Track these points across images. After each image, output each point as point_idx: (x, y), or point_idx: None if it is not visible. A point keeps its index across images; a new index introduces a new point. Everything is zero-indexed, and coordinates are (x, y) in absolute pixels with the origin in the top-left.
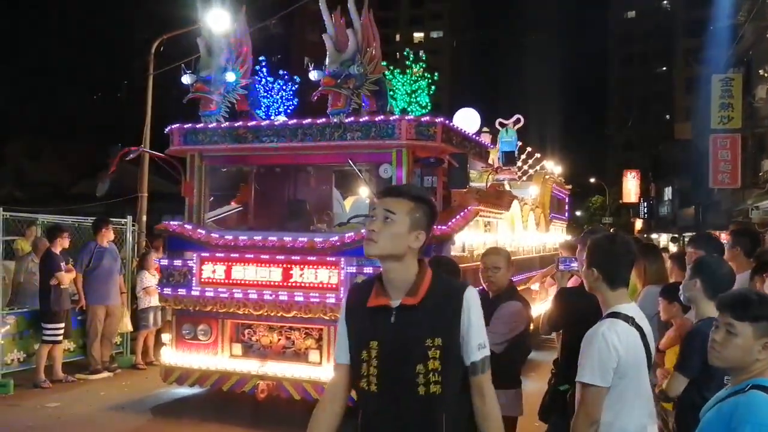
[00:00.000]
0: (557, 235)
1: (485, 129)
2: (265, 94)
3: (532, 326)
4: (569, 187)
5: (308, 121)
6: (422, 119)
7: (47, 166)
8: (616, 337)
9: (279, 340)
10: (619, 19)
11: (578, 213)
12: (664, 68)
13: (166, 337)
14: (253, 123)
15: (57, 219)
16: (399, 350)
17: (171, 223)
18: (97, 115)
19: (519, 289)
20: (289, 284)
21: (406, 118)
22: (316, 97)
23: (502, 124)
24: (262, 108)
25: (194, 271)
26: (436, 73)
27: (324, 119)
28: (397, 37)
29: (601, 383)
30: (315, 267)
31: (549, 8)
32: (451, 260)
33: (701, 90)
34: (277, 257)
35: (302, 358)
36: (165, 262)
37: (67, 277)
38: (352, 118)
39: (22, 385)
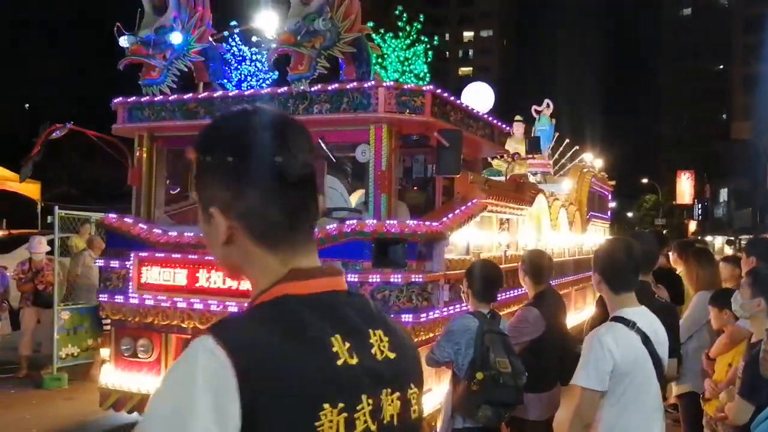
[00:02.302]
0: (597, 237)
1: (518, 118)
2: (237, 65)
3: None
4: (612, 183)
5: (267, 90)
6: (405, 86)
7: (101, 164)
8: (612, 341)
9: None
10: (673, 17)
11: (629, 214)
12: (721, 66)
13: (105, 352)
14: (204, 94)
15: None
16: None
17: (109, 216)
18: None
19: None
20: (242, 292)
21: (385, 84)
22: (272, 59)
23: (537, 112)
24: (233, 80)
25: (131, 274)
26: (435, 38)
27: (286, 88)
28: (447, 36)
29: (596, 386)
30: None
31: (600, 4)
32: (488, 264)
33: (761, 88)
34: None
35: None
36: (101, 262)
37: None
38: (318, 87)
39: (76, 380)
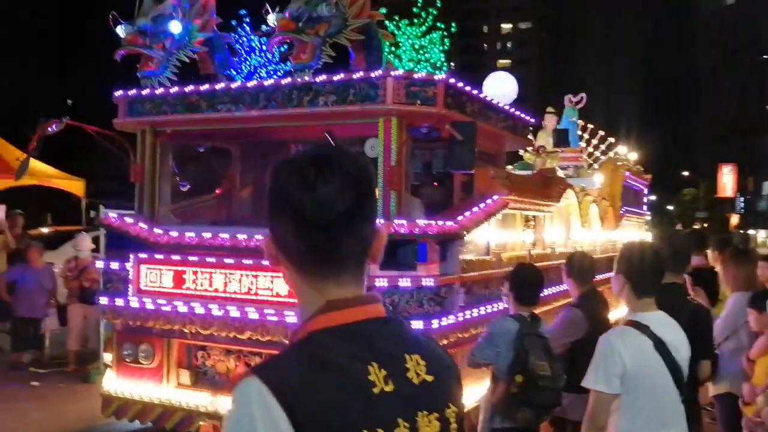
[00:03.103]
0: (632, 233)
1: (550, 109)
2: (246, 55)
3: None
4: (649, 176)
5: (271, 82)
6: (415, 75)
7: None
8: (622, 345)
9: (237, 367)
10: (716, 6)
11: (669, 207)
12: (765, 56)
13: (108, 356)
14: (206, 87)
15: None
16: None
17: (109, 214)
18: None
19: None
20: (241, 297)
21: (393, 73)
22: (273, 46)
23: (572, 102)
24: (242, 71)
25: (131, 277)
26: (453, 24)
27: (290, 79)
28: (485, 29)
29: (605, 389)
30: (270, 274)
31: None
32: (529, 268)
33: None
34: (226, 261)
35: None
36: (101, 264)
37: None
38: (323, 77)
39: None
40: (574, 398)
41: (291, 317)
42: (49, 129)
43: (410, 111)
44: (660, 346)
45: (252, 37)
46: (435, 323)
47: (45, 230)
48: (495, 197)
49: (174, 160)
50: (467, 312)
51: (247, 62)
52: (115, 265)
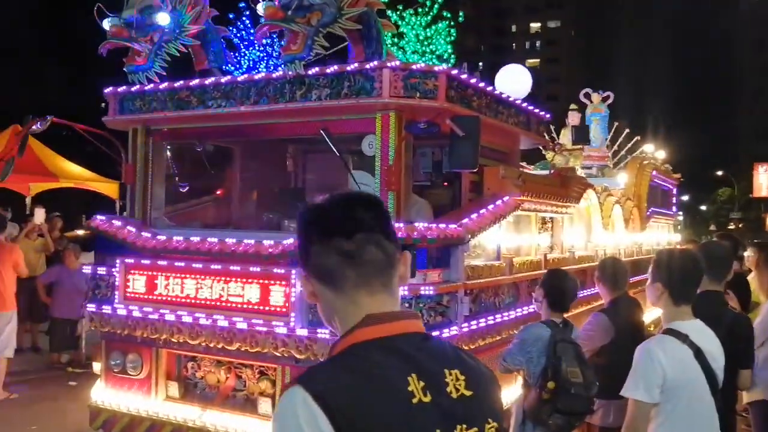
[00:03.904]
0: (660, 234)
1: (573, 106)
2: (245, 49)
3: None
4: (678, 175)
5: (262, 75)
6: (414, 66)
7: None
8: (662, 354)
9: (227, 379)
10: (752, 2)
11: (703, 207)
12: None
13: (96, 366)
14: (196, 82)
15: None
16: None
17: (97, 217)
18: None
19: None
20: (228, 305)
21: (390, 64)
22: (259, 36)
23: (587, 96)
24: (242, 66)
25: (117, 283)
26: (460, 13)
27: (281, 72)
28: (513, 28)
29: (645, 398)
30: (258, 282)
31: None
32: (562, 274)
33: None
34: (213, 266)
35: (253, 408)
36: (88, 269)
37: None
38: (316, 69)
39: None
40: (602, 404)
41: (281, 328)
42: (33, 128)
43: (410, 105)
44: (699, 354)
45: (251, 30)
46: (436, 335)
47: (81, 232)
48: (506, 198)
49: (173, 160)
50: (473, 322)
51: (247, 57)
52: (102, 271)
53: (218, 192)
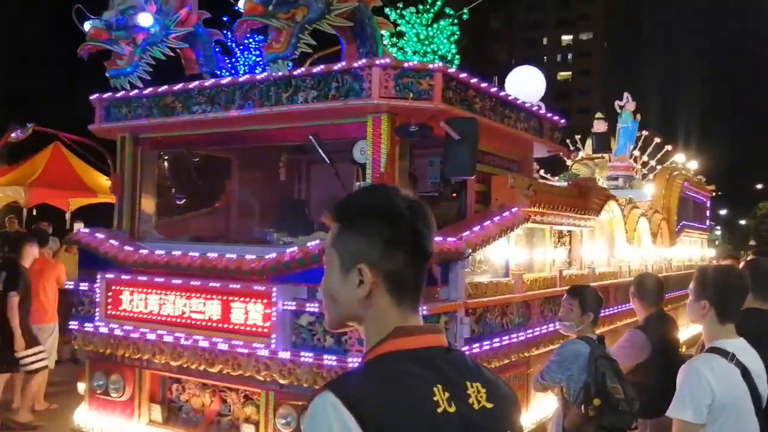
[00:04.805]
0: (692, 249)
1: (599, 115)
2: (241, 53)
3: None
4: (711, 188)
5: (246, 77)
6: (406, 64)
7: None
8: (710, 373)
9: (212, 402)
10: None
11: (742, 222)
12: None
13: (81, 387)
14: (180, 86)
15: None
16: None
17: (82, 230)
18: None
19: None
20: (209, 324)
21: (379, 62)
22: (239, 34)
23: (620, 107)
24: (237, 72)
25: (98, 299)
26: (465, 10)
27: (266, 74)
28: (545, 41)
29: (693, 419)
30: (238, 299)
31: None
32: (595, 291)
33: None
34: (193, 283)
35: None
36: (71, 284)
37: None
38: (302, 69)
39: None
40: (639, 422)
41: (262, 350)
42: (13, 135)
43: (404, 107)
44: (746, 374)
45: (248, 34)
46: None
47: None
48: (514, 209)
49: (169, 170)
50: (476, 345)
51: (243, 62)
52: (84, 286)
53: (215, 204)
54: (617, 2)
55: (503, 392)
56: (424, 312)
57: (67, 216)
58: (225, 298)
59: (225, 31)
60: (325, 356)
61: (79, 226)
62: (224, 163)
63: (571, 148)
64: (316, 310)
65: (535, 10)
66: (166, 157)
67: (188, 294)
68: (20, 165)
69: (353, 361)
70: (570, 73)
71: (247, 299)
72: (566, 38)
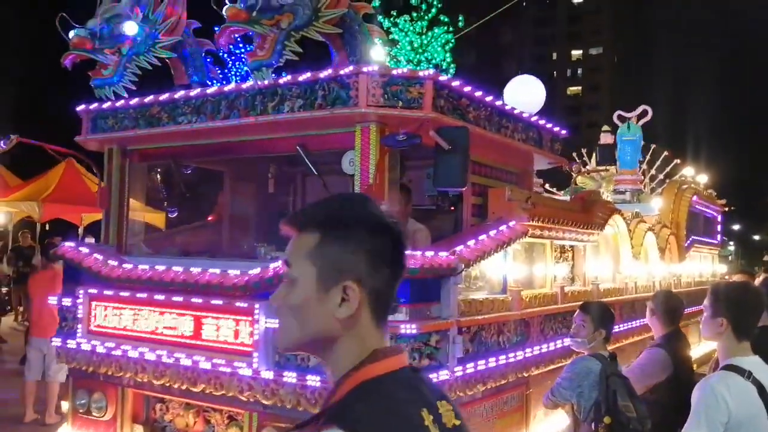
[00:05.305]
0: (702, 265)
1: (606, 128)
2: (233, 64)
3: None
4: (722, 202)
5: (231, 86)
6: (395, 71)
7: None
8: (726, 391)
9: (195, 423)
10: None
11: (756, 237)
12: None
13: (65, 405)
14: (166, 96)
15: None
16: None
17: (66, 244)
18: None
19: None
20: (190, 342)
21: (366, 69)
22: (222, 41)
23: (621, 118)
24: (231, 81)
25: (80, 315)
26: (461, 17)
27: (252, 83)
28: (554, 56)
29: None
30: (220, 316)
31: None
32: (606, 306)
33: None
34: (174, 298)
35: None
36: (54, 300)
37: None
38: (288, 78)
39: None
40: None
41: (244, 369)
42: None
43: (393, 116)
44: (762, 392)
45: (241, 45)
46: None
47: None
48: (511, 223)
49: (162, 183)
50: (470, 365)
51: (234, 72)
52: (67, 302)
53: (208, 217)
54: (627, 17)
55: (459, 410)
56: (413, 331)
57: (80, 231)
58: (207, 314)
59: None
60: (309, 376)
61: (91, 242)
62: (217, 175)
63: (577, 161)
64: None
65: (544, 25)
66: (158, 170)
67: (170, 310)
68: (34, 181)
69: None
70: (580, 88)
71: (230, 316)
72: (576, 53)
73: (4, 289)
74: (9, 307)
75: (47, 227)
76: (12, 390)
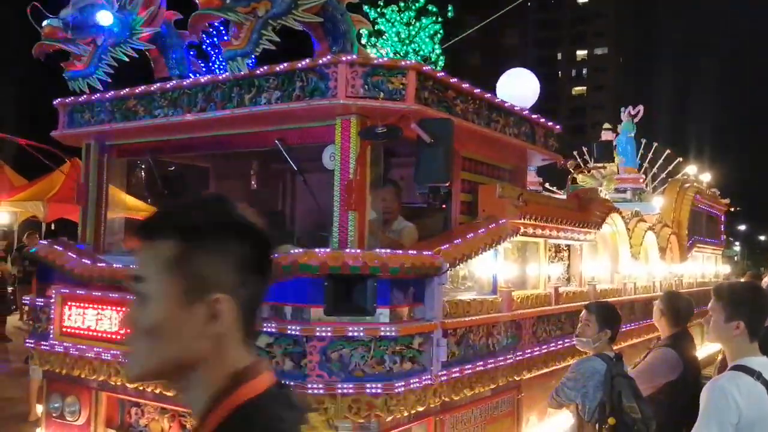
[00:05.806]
0: (705, 266)
1: (607, 126)
2: (216, 57)
3: None
4: (726, 201)
5: (208, 78)
6: (376, 61)
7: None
8: (736, 391)
9: (170, 428)
10: None
11: (762, 237)
12: None
13: (39, 409)
14: (142, 88)
15: None
16: None
17: (41, 242)
18: None
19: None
20: None
21: (345, 58)
22: (195, 29)
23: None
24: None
25: (53, 315)
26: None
27: (227, 74)
28: (559, 56)
29: None
30: None
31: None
32: (611, 306)
33: None
34: None
35: None
36: (28, 300)
37: None
38: (265, 68)
39: None
40: None
41: None
42: None
43: (372, 107)
44: None
45: (225, 37)
46: (400, 385)
47: None
48: (501, 221)
49: (145, 179)
50: (455, 369)
51: (218, 65)
52: (40, 302)
53: None
54: (631, 17)
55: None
56: (393, 333)
57: None
58: None
59: (201, 34)
60: (283, 381)
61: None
62: (202, 172)
63: (577, 159)
64: (275, 329)
65: (549, 26)
66: (142, 167)
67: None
68: (39, 181)
69: (313, 387)
70: (585, 88)
71: None
72: (581, 53)
73: (10, 289)
74: (14, 307)
75: (53, 227)
76: (17, 388)
